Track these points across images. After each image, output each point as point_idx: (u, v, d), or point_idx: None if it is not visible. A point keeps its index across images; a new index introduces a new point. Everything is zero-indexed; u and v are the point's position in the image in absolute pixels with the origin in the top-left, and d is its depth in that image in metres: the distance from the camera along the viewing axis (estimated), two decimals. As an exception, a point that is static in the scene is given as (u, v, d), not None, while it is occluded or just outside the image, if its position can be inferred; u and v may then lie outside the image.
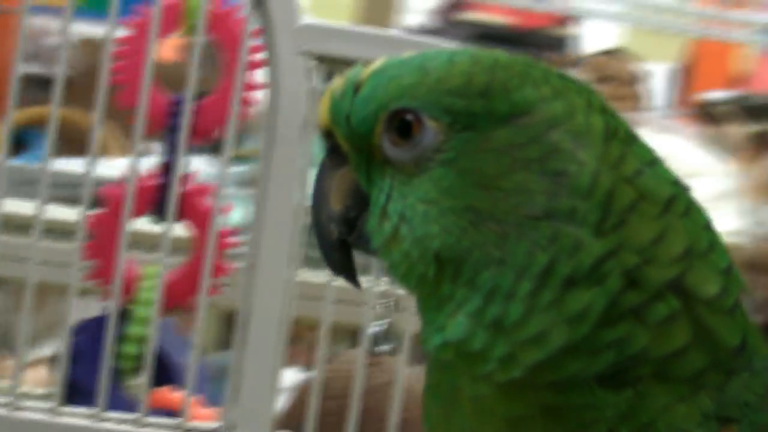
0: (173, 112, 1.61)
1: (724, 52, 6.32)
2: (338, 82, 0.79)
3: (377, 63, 0.79)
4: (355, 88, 0.78)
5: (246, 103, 1.54)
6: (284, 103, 1.14)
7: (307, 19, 1.15)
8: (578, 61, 4.69)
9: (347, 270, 0.81)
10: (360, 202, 0.78)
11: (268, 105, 1.16)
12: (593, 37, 5.69)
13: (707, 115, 4.53)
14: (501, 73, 0.75)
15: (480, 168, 0.72)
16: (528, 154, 0.72)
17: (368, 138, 0.76)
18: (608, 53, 4.51)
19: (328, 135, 0.79)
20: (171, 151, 1.60)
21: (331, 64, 1.20)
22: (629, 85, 4.22)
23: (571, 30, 6.05)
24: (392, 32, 1.17)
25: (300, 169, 1.15)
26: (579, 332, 0.72)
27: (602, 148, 0.74)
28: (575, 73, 3.99)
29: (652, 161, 0.77)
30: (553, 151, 0.72)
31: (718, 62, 6.27)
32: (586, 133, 0.74)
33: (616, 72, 4.25)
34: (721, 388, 0.75)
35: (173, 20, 1.42)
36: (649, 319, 0.73)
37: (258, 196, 1.16)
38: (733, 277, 0.78)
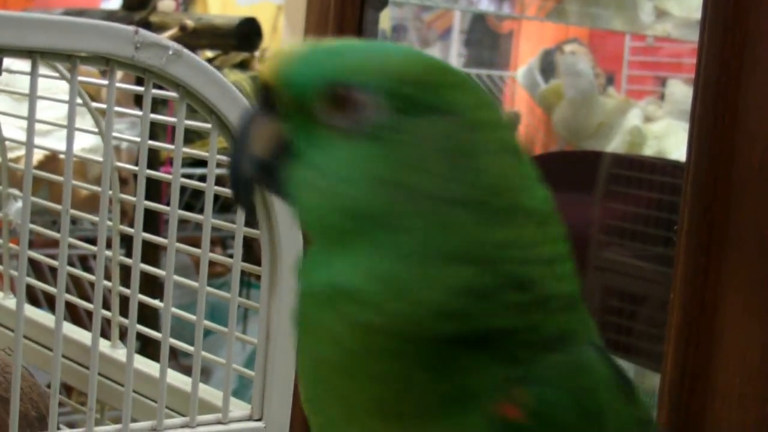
0: None
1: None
2: (290, 48, 0.89)
3: (326, 42, 0.89)
4: (303, 57, 0.87)
5: None
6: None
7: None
8: None
9: (249, 204, 0.93)
10: (279, 151, 0.88)
11: None
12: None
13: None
14: (437, 73, 0.86)
15: (406, 149, 0.83)
16: (452, 147, 0.83)
17: (310, 102, 0.85)
18: None
19: (265, 89, 0.89)
20: None
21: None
22: None
23: None
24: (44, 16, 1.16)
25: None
26: (445, 300, 0.83)
27: (515, 161, 0.86)
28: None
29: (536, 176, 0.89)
30: (478, 152, 0.84)
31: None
32: (505, 145, 0.85)
33: None
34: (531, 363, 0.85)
35: None
36: (501, 302, 0.84)
37: None
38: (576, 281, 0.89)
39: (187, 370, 1.43)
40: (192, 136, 3.24)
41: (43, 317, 1.65)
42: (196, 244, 1.40)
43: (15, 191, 1.65)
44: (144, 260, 1.32)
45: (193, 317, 1.35)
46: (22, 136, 1.66)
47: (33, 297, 3.03)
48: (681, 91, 4.33)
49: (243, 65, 4.31)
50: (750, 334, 1.68)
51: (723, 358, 1.71)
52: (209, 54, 4.22)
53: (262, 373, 1.37)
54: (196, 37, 3.79)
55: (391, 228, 0.83)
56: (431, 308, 0.82)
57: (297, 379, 1.23)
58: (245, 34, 3.75)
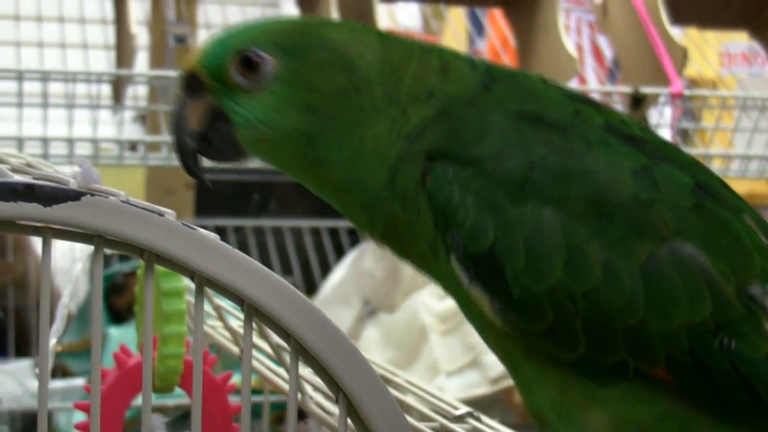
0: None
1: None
2: (205, 40, 1.13)
3: (231, 26, 1.14)
4: (212, 42, 1.11)
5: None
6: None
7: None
8: None
9: (200, 173, 1.11)
10: (212, 120, 1.09)
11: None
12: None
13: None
14: (314, 21, 1.18)
15: (307, 80, 1.07)
16: (335, 64, 1.08)
17: (224, 72, 1.08)
18: None
19: (189, 76, 1.11)
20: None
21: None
22: None
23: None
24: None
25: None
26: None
27: (380, 49, 1.09)
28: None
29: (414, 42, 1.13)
30: (350, 59, 1.08)
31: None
32: (367, 46, 1.09)
33: None
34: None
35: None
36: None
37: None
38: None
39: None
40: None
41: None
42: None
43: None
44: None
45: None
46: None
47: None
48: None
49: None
50: None
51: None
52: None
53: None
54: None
55: (329, 133, 1.06)
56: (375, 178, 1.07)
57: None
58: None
